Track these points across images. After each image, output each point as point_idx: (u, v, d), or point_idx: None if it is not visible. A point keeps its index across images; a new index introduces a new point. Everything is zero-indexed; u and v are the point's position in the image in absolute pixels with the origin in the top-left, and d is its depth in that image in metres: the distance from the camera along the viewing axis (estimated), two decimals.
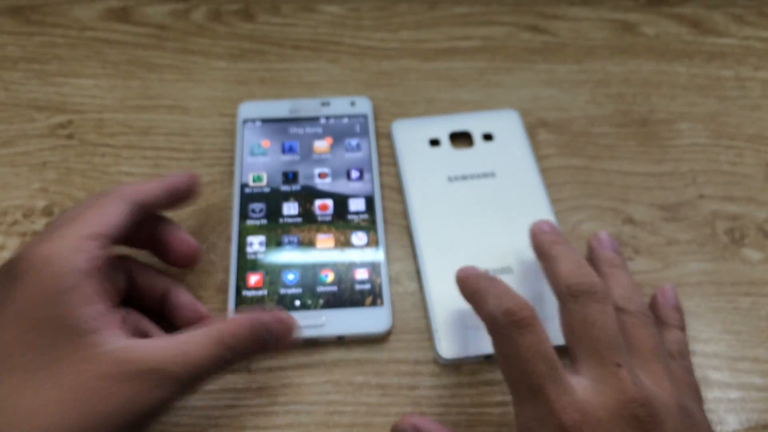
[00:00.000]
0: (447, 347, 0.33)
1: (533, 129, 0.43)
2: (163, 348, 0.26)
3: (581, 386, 0.25)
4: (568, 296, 0.28)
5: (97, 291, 0.27)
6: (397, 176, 0.40)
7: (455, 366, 0.33)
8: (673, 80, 0.46)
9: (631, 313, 0.29)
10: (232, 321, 0.28)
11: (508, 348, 0.26)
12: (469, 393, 0.32)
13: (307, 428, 0.31)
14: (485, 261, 0.35)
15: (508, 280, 0.33)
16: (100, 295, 0.27)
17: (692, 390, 0.29)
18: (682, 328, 0.33)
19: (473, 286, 0.29)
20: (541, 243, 0.31)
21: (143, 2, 0.49)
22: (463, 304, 0.31)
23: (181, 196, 0.33)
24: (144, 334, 0.30)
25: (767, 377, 0.33)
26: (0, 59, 0.45)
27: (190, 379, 0.27)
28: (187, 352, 0.27)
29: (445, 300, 0.34)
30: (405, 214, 0.38)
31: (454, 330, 0.33)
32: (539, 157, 0.41)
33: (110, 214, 0.29)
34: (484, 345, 0.33)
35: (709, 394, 0.32)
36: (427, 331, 0.34)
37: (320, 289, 0.34)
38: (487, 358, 0.33)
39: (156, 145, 0.41)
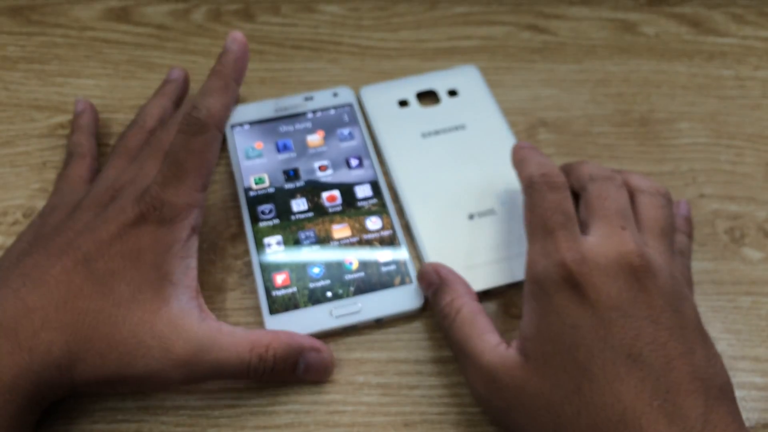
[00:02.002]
0: None
1: (533, 129, 0.43)
2: (207, 330, 0.29)
3: (588, 241, 0.29)
4: (589, 181, 0.32)
5: (193, 246, 0.31)
6: (373, 140, 0.41)
7: (457, 362, 0.33)
8: (673, 80, 0.46)
9: (648, 192, 0.32)
10: (272, 333, 0.31)
11: (537, 199, 0.30)
12: (468, 392, 0.32)
13: (307, 428, 0.31)
14: (469, 206, 0.38)
15: (491, 221, 0.37)
16: (193, 250, 0.31)
17: (688, 281, 0.32)
18: (690, 236, 0.35)
19: (522, 155, 0.33)
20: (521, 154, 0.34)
21: (143, 2, 0.49)
22: (453, 247, 0.36)
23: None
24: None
25: (767, 377, 0.33)
26: (0, 59, 0.45)
27: (213, 371, 0.29)
28: (222, 346, 0.29)
29: (436, 245, 0.36)
30: (386, 175, 0.39)
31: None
32: None
33: (213, 158, 0.32)
34: (481, 281, 0.34)
35: None
36: (427, 331, 0.34)
37: (348, 277, 0.35)
38: (485, 293, 0.35)
39: None
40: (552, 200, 0.30)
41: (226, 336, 0.29)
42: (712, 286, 0.36)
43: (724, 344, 0.34)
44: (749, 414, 0.32)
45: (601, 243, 0.28)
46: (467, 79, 0.44)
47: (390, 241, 0.36)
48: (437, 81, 0.44)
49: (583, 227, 0.30)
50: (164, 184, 0.30)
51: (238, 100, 0.42)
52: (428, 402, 0.32)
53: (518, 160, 0.33)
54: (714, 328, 0.35)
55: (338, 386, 0.32)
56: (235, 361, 0.29)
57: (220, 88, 0.32)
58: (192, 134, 0.31)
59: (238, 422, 0.31)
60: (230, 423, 0.31)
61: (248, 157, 0.39)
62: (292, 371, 0.31)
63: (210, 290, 0.35)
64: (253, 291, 0.35)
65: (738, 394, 0.32)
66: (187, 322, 0.29)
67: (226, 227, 0.38)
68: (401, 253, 0.36)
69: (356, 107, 0.42)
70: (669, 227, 0.31)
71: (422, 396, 0.32)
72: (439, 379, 0.33)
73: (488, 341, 0.29)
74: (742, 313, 0.35)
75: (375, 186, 0.38)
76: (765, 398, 0.32)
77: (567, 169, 0.34)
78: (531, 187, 0.31)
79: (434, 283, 0.33)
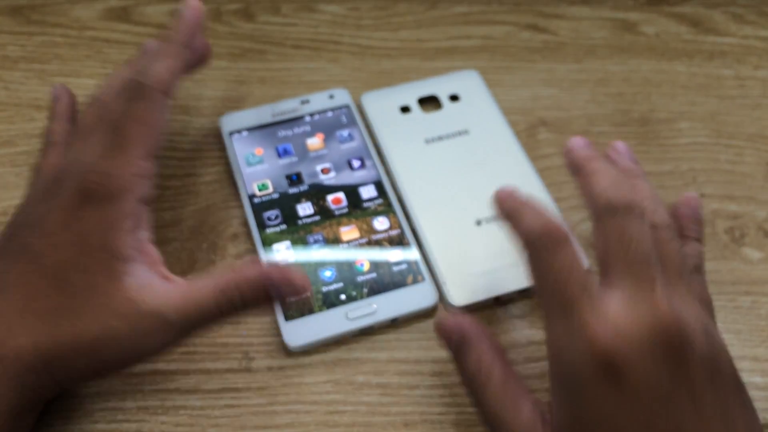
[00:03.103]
0: (457, 295, 0.34)
1: (533, 128, 0.43)
2: (171, 293, 0.28)
3: (614, 301, 0.25)
4: (605, 211, 0.27)
5: (143, 217, 0.30)
6: (375, 146, 0.41)
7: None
8: (673, 79, 0.46)
9: (660, 227, 0.28)
10: (237, 272, 0.29)
11: (544, 262, 0.27)
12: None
13: (307, 428, 0.31)
14: (476, 211, 0.38)
15: (499, 226, 0.34)
16: (145, 222, 0.30)
17: (709, 307, 0.29)
18: (701, 240, 0.31)
19: (512, 204, 0.29)
20: (577, 159, 0.30)
21: (143, 2, 0.49)
22: (462, 254, 0.36)
23: (195, 65, 0.33)
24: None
25: (767, 376, 0.33)
26: (0, 59, 0.45)
27: (188, 327, 0.28)
28: (189, 301, 0.28)
29: (445, 253, 0.36)
30: (390, 181, 0.39)
31: (460, 278, 0.35)
32: (540, 157, 0.41)
33: (158, 124, 0.30)
34: (492, 288, 0.35)
35: None
36: (427, 331, 0.34)
37: (360, 278, 0.35)
38: (496, 300, 0.35)
39: None
40: (562, 263, 0.26)
41: (194, 293, 0.28)
42: (712, 286, 0.35)
43: None
44: None
45: (630, 307, 0.25)
46: (468, 83, 0.44)
47: (399, 241, 0.36)
48: (438, 86, 0.43)
49: (602, 269, 0.27)
50: (107, 156, 0.29)
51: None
52: (428, 402, 0.32)
53: (508, 212, 0.29)
54: None
55: (338, 386, 0.32)
56: (206, 312, 0.28)
57: (166, 52, 0.31)
58: (134, 99, 0.30)
59: (238, 422, 0.31)
60: (230, 423, 0.31)
61: (249, 164, 0.39)
62: (266, 301, 0.29)
63: None
64: None
65: None
66: (146, 295, 0.28)
67: (226, 227, 0.38)
68: (411, 252, 0.36)
69: (353, 108, 0.42)
70: (683, 263, 0.28)
71: (422, 396, 0.32)
72: (440, 379, 0.33)
73: (523, 414, 0.27)
74: (741, 313, 0.35)
75: (379, 186, 0.38)
76: (765, 398, 0.32)
77: (580, 176, 0.29)
78: (533, 245, 0.27)
79: (455, 340, 0.29)
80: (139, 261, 0.29)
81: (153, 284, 0.29)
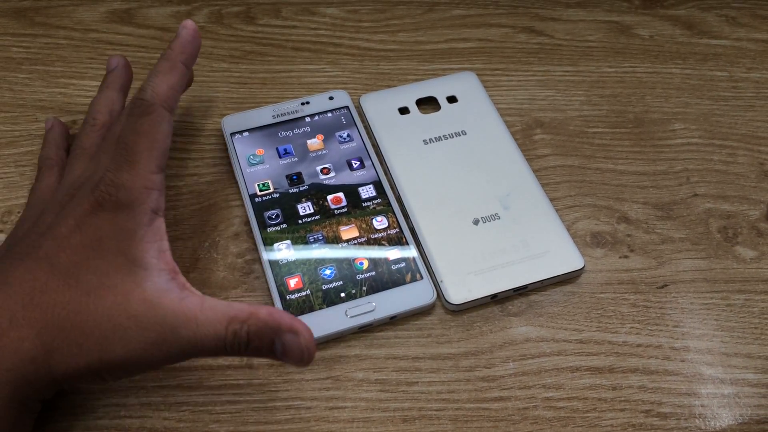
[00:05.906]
0: (454, 293, 0.35)
1: (529, 129, 0.43)
2: (185, 307, 0.28)
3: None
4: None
5: (160, 229, 0.30)
6: (375, 147, 0.41)
7: (454, 358, 0.34)
8: (667, 81, 0.46)
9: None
10: (253, 309, 0.28)
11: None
12: (466, 389, 0.33)
13: (307, 423, 0.31)
14: (473, 211, 0.38)
15: (496, 226, 0.37)
16: (161, 233, 0.30)
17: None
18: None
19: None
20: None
21: (146, 4, 0.49)
22: (460, 253, 0.36)
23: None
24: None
25: (760, 373, 0.34)
26: (5, 60, 0.46)
27: (192, 348, 0.28)
28: (199, 322, 0.28)
29: (443, 251, 0.36)
30: (390, 181, 0.40)
31: (458, 277, 0.36)
32: (536, 157, 0.42)
33: (163, 138, 0.31)
34: (489, 286, 0.35)
35: (703, 390, 0.33)
36: (425, 328, 0.35)
37: (360, 277, 0.35)
38: (493, 298, 0.35)
39: None
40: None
41: (206, 311, 0.28)
42: (706, 284, 0.37)
43: (717, 341, 0.35)
44: (743, 410, 0.32)
45: None
46: (466, 85, 0.44)
47: (398, 240, 0.37)
48: (436, 88, 0.44)
49: None
50: (117, 170, 0.30)
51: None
52: (426, 398, 0.32)
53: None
54: (707, 326, 0.35)
55: (338, 382, 0.33)
56: (212, 337, 0.28)
57: (165, 70, 0.32)
58: (139, 116, 0.31)
59: (239, 418, 0.32)
60: (231, 419, 0.32)
61: (250, 164, 0.40)
62: (270, 350, 0.29)
63: (212, 288, 0.36)
64: (255, 289, 0.36)
65: (731, 390, 0.33)
66: (164, 301, 0.28)
67: (228, 226, 0.38)
68: (410, 251, 0.36)
69: (353, 109, 0.42)
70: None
71: (420, 392, 0.33)
72: (437, 375, 0.33)
73: None
74: (734, 311, 0.36)
75: (378, 186, 0.39)
76: (757, 394, 0.33)
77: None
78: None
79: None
80: (159, 270, 0.29)
81: (173, 294, 0.29)
